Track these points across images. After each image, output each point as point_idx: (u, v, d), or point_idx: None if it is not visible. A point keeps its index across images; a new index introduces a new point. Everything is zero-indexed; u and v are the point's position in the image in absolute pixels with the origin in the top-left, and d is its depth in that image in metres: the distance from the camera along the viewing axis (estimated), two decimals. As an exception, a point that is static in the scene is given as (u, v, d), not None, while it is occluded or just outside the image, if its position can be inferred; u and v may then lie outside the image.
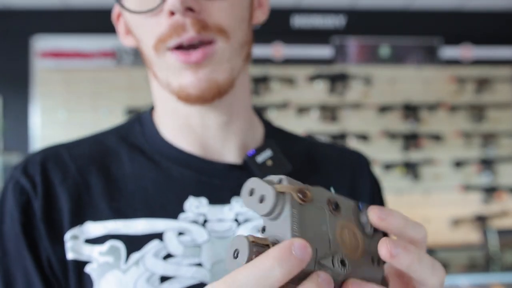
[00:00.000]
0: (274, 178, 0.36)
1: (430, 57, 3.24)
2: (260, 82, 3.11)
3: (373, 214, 0.39)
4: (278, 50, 3.15)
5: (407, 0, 3.09)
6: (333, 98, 3.15)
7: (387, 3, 3.11)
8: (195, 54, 0.56)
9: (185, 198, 0.60)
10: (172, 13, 0.54)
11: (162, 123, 0.66)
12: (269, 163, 0.63)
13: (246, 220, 0.61)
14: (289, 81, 3.13)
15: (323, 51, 3.19)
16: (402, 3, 3.13)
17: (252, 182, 0.35)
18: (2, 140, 2.98)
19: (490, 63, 3.28)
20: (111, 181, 0.61)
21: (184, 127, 0.64)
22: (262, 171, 0.62)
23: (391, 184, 3.12)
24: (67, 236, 0.57)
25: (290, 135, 0.74)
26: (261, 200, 0.34)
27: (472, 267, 2.95)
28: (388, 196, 3.25)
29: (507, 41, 3.28)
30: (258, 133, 0.69)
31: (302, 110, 3.12)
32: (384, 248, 0.37)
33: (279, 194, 0.34)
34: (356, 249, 0.37)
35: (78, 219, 0.58)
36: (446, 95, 3.22)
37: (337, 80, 3.16)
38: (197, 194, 0.60)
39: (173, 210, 0.59)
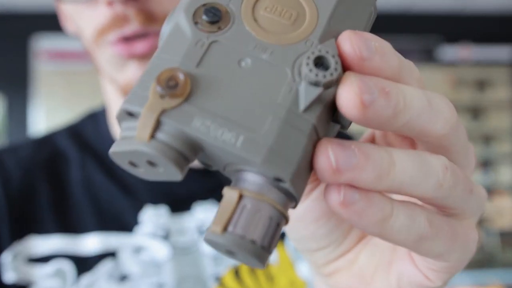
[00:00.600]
0: None
1: (429, 57, 3.25)
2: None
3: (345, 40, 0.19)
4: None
5: (406, 1, 3.10)
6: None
7: (385, 4, 3.13)
8: (141, 45, 0.48)
9: (140, 207, 0.52)
10: (110, 3, 0.47)
11: (114, 122, 0.58)
12: None
13: None
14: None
15: (323, 51, 3.20)
16: (400, 4, 3.14)
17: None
18: (5, 140, 2.99)
19: (489, 63, 3.29)
20: (60, 188, 0.53)
21: None
22: (224, 174, 0.50)
23: (391, 184, 3.14)
24: (6, 253, 0.49)
25: None
26: None
27: (471, 266, 2.96)
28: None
29: (506, 41, 3.30)
30: None
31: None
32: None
33: None
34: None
35: (20, 233, 0.50)
36: (445, 95, 3.22)
37: (337, 81, 3.18)
38: (155, 201, 0.52)
39: (127, 223, 0.51)
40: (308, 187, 0.26)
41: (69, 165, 0.56)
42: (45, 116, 2.99)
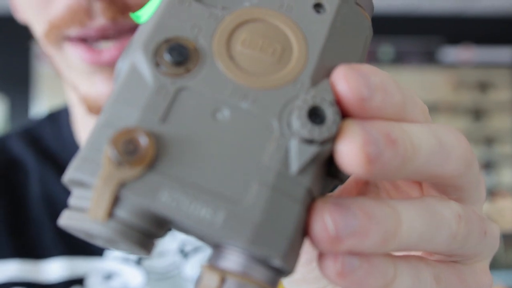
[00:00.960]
0: None
1: (431, 59, 3.25)
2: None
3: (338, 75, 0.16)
4: (279, 52, 3.16)
5: (408, 3, 3.11)
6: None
7: (388, 5, 3.13)
8: (108, 52, 0.38)
9: None
10: None
11: (80, 126, 0.50)
12: None
13: (195, 250, 0.45)
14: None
15: (324, 53, 3.20)
16: (403, 5, 3.14)
17: None
18: (5, 141, 3.00)
19: (490, 65, 3.29)
20: (16, 205, 0.45)
21: None
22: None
23: (392, 186, 3.13)
24: None
25: None
26: None
27: (473, 268, 2.95)
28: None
29: (508, 43, 3.30)
30: None
31: (304, 111, 3.13)
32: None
33: None
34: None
35: None
36: (446, 97, 3.23)
37: (338, 82, 3.17)
38: None
39: (96, 246, 0.43)
40: None
41: (27, 176, 0.47)
42: (47, 118, 2.99)
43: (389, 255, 0.17)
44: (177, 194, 0.14)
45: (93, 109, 0.41)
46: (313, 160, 0.15)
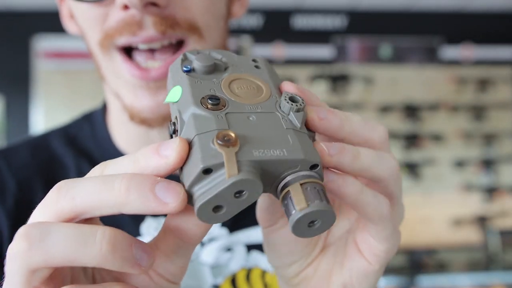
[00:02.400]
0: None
1: (431, 57, 3.24)
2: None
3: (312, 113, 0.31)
4: (279, 50, 3.15)
5: (408, 1, 3.10)
6: (334, 98, 3.16)
7: (387, 3, 3.12)
8: (155, 71, 0.45)
9: (141, 219, 0.51)
10: (126, 7, 0.43)
11: (116, 129, 0.56)
12: None
13: (210, 240, 0.53)
14: (290, 81, 3.14)
15: (324, 51, 3.19)
16: (402, 3, 3.13)
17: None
18: (4, 140, 2.99)
19: (491, 63, 3.28)
20: None
21: (141, 138, 0.54)
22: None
23: (392, 184, 3.13)
24: None
25: None
26: None
27: (472, 267, 2.95)
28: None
29: (508, 41, 3.29)
30: None
31: (303, 110, 3.13)
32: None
33: None
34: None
35: None
36: (447, 95, 3.22)
37: (338, 80, 3.17)
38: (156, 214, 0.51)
39: (128, 232, 0.47)
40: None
41: (66, 172, 0.52)
42: (45, 116, 2.98)
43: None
44: (261, 150, 0.26)
45: (136, 118, 0.48)
46: (303, 120, 0.30)
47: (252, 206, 0.34)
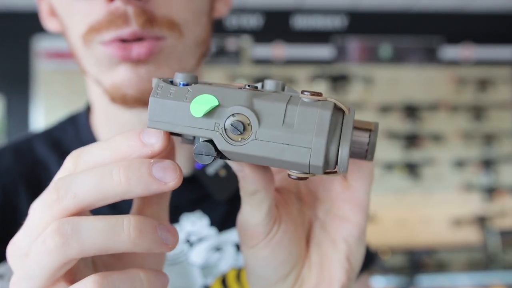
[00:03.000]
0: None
1: (431, 57, 3.24)
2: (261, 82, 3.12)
3: None
4: (279, 50, 3.15)
5: (408, 1, 3.10)
6: (334, 98, 3.15)
7: (387, 3, 3.12)
8: (138, 48, 0.44)
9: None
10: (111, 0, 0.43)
11: (100, 129, 0.55)
12: (223, 173, 0.54)
13: (200, 240, 0.53)
14: (290, 82, 3.14)
15: (324, 51, 3.19)
16: (402, 3, 3.13)
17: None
18: (5, 140, 2.99)
19: (490, 63, 3.28)
20: None
21: None
22: (214, 184, 0.53)
23: (391, 184, 3.13)
24: None
25: None
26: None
27: (472, 267, 2.95)
28: (388, 196, 3.20)
29: (508, 41, 3.29)
30: None
31: (303, 110, 3.13)
32: None
33: None
34: None
35: (3, 254, 0.44)
36: (446, 95, 3.22)
37: (338, 80, 3.17)
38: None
39: None
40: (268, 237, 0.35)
41: (51, 175, 0.52)
42: (45, 116, 2.98)
43: None
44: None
45: (116, 97, 0.47)
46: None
47: (239, 207, 0.35)
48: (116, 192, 0.27)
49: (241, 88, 0.28)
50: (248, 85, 0.29)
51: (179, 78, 0.29)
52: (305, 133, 0.26)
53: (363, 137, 0.30)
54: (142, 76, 0.46)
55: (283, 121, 0.27)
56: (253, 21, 3.15)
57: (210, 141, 0.27)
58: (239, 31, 3.11)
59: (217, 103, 0.27)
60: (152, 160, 0.27)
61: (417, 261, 2.94)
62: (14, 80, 3.00)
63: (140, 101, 0.47)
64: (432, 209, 3.15)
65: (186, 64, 0.49)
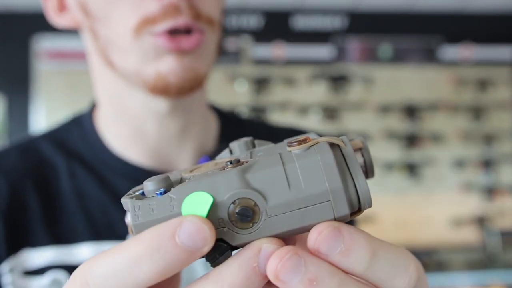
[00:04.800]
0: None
1: (431, 57, 3.24)
2: (261, 83, 3.12)
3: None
4: (279, 50, 3.16)
5: (408, 1, 3.10)
6: (334, 98, 3.16)
7: (387, 3, 3.12)
8: (188, 40, 0.47)
9: None
10: None
11: (107, 126, 0.56)
12: None
13: None
14: (290, 82, 3.15)
15: (324, 51, 3.20)
16: (402, 3, 3.14)
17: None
18: (6, 140, 2.99)
19: (490, 63, 3.28)
20: (50, 200, 0.52)
21: (135, 133, 0.54)
22: None
23: (391, 184, 3.13)
24: (4, 268, 0.48)
25: (246, 123, 0.66)
26: None
27: (472, 267, 2.96)
28: (388, 196, 3.20)
29: (508, 41, 3.29)
30: (212, 133, 0.60)
31: (303, 110, 3.13)
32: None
33: None
34: None
35: (14, 248, 0.49)
36: (446, 95, 3.22)
37: (338, 81, 3.17)
38: None
39: (120, 232, 0.50)
40: None
41: (57, 174, 0.53)
42: (46, 116, 2.98)
43: None
44: None
45: (158, 85, 0.48)
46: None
47: None
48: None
49: (224, 169, 0.25)
50: (230, 162, 0.25)
51: (152, 186, 0.24)
52: (317, 187, 0.23)
53: (358, 159, 0.27)
54: (186, 65, 0.48)
55: (288, 185, 0.23)
56: (253, 21, 3.15)
57: (220, 240, 0.24)
58: (239, 31, 3.11)
59: (211, 199, 0.23)
60: (254, 263, 0.22)
61: (417, 261, 2.93)
62: (15, 80, 3.00)
63: (180, 90, 0.49)
64: (432, 209, 3.15)
65: (212, 59, 0.53)
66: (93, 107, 0.59)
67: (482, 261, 3.02)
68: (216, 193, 0.23)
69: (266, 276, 0.22)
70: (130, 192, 0.26)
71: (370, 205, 0.24)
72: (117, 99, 0.54)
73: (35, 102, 3.00)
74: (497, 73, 3.28)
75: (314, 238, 0.22)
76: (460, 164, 3.21)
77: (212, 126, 0.60)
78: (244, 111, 2.98)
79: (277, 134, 0.61)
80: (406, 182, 3.17)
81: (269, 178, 0.24)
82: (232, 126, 0.62)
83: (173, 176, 0.27)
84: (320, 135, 0.26)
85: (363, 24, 3.21)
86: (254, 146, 0.29)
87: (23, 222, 0.50)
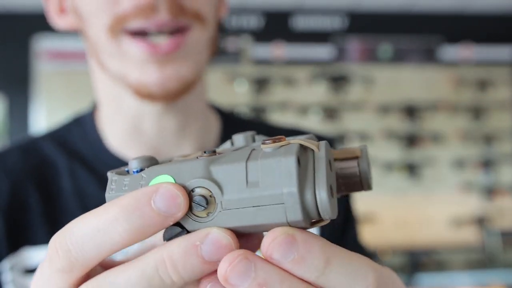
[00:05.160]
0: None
1: (431, 57, 3.25)
2: (261, 83, 3.12)
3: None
4: (279, 50, 3.16)
5: (408, 1, 3.10)
6: (334, 98, 3.16)
7: (387, 3, 3.12)
8: (166, 45, 0.46)
9: None
10: None
11: (107, 126, 0.56)
12: None
13: None
14: (290, 82, 3.15)
15: (324, 51, 3.20)
16: (402, 3, 3.14)
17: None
18: (6, 140, 2.99)
19: (490, 63, 3.28)
20: (50, 199, 0.52)
21: (134, 132, 0.54)
22: None
23: (391, 184, 3.13)
24: (4, 266, 0.49)
25: (247, 123, 0.66)
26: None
27: (472, 267, 2.96)
28: (388, 196, 3.20)
29: (507, 41, 3.29)
30: (214, 133, 0.60)
31: (303, 110, 3.14)
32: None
33: None
34: None
35: (14, 246, 0.50)
36: (446, 95, 3.23)
37: (338, 81, 3.17)
38: None
39: None
40: None
41: (58, 173, 0.54)
42: (46, 116, 2.98)
43: None
44: None
45: (142, 93, 0.48)
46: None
47: None
48: None
49: (198, 158, 0.25)
50: (205, 152, 0.26)
51: (134, 164, 0.25)
52: (273, 188, 0.23)
53: (351, 167, 0.26)
54: (168, 76, 0.47)
55: (246, 181, 0.23)
56: (253, 21, 3.15)
57: (178, 224, 0.24)
58: (239, 31, 3.11)
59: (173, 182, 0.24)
60: (197, 242, 0.22)
61: (417, 261, 2.94)
62: (15, 80, 3.01)
63: (163, 98, 0.49)
64: (432, 209, 3.15)
65: (204, 57, 0.51)
66: (94, 108, 0.59)
67: (482, 261, 3.02)
68: (180, 179, 0.24)
69: (208, 263, 0.22)
70: (124, 168, 0.28)
71: (331, 216, 0.23)
72: (114, 99, 0.54)
73: (35, 102, 3.00)
74: (497, 73, 3.28)
75: (267, 244, 0.22)
76: (460, 164, 3.21)
77: (213, 126, 0.60)
78: (244, 111, 2.98)
79: (278, 134, 0.60)
80: (406, 182, 3.17)
81: (230, 172, 0.24)
82: (233, 126, 0.62)
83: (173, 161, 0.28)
84: (319, 137, 0.26)
85: (363, 24, 3.21)
86: (254, 140, 0.29)
87: (23, 221, 0.50)
